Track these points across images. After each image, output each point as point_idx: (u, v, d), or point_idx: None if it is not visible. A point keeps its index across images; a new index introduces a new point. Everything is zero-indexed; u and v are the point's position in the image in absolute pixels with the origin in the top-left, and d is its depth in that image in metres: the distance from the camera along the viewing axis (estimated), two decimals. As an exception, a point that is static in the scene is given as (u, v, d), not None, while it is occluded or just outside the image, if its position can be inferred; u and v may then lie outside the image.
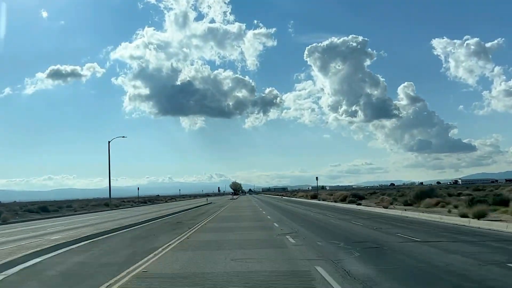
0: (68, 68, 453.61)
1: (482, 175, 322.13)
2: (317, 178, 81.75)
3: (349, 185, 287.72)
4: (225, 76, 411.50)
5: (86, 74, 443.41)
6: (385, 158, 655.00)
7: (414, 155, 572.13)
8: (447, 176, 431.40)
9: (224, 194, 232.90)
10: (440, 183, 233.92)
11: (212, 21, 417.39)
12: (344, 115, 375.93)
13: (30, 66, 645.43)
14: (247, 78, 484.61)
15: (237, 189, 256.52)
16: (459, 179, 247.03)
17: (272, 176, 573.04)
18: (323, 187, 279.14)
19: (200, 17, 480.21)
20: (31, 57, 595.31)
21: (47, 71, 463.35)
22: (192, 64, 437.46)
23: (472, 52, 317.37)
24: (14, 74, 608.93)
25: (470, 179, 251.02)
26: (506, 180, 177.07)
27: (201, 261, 11.51)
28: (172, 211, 42.66)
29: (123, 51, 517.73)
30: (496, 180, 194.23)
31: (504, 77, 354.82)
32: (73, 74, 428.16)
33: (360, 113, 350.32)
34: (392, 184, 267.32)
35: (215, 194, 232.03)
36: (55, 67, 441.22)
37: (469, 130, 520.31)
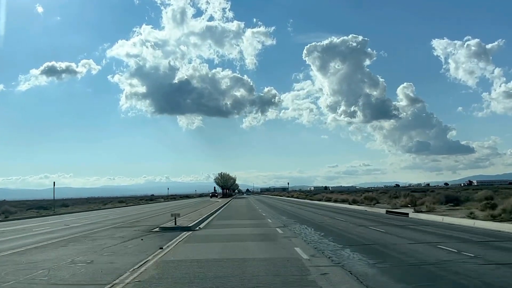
0: (63, 64, 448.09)
1: (480, 177, 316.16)
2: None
3: (352, 186, 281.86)
4: (224, 75, 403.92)
5: (81, 71, 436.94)
6: (383, 160, 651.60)
7: (412, 156, 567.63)
8: (444, 178, 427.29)
9: (214, 195, 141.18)
10: (448, 184, 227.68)
11: (211, 18, 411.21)
12: (343, 116, 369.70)
13: (24, 63, 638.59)
14: (245, 77, 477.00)
15: (228, 186, 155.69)
16: (469, 180, 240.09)
17: (269, 177, 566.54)
18: (326, 188, 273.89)
19: (198, 13, 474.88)
20: (25, 53, 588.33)
21: (41, 68, 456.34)
22: (190, 63, 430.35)
23: (472, 53, 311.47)
24: (7, 71, 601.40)
25: (483, 180, 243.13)
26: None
27: None
28: None
29: (120, 49, 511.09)
30: None
31: (504, 79, 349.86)
32: (68, 70, 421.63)
33: (359, 113, 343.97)
34: (397, 185, 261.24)
35: (199, 195, 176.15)
36: (50, 64, 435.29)
37: (468, 132, 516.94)
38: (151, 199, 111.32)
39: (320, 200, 65.94)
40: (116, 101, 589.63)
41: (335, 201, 56.44)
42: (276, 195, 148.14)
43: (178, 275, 9.93)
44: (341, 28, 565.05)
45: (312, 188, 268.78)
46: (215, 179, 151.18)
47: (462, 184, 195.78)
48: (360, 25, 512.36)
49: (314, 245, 15.02)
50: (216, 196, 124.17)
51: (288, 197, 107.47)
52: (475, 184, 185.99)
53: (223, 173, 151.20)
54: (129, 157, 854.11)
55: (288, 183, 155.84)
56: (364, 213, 34.00)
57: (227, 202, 68.14)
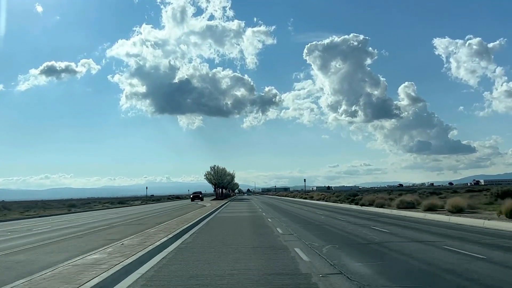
0: (62, 64, 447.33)
1: (481, 177, 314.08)
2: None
3: (355, 186, 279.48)
4: (224, 74, 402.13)
5: (81, 71, 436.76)
6: (384, 159, 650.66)
7: (413, 156, 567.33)
8: (445, 177, 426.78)
9: (198, 196, 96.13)
10: (452, 184, 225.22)
11: (211, 17, 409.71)
12: (343, 115, 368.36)
13: (24, 62, 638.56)
14: (246, 76, 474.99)
15: (224, 184, 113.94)
16: (475, 180, 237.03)
17: (270, 177, 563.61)
18: (328, 188, 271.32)
19: (198, 12, 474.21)
20: (24, 53, 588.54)
21: (41, 68, 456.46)
22: (190, 62, 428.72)
23: (474, 52, 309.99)
24: (7, 71, 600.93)
25: (486, 179, 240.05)
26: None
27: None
28: None
29: (120, 48, 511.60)
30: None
31: (506, 78, 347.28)
32: (68, 70, 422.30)
33: (360, 113, 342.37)
34: (400, 185, 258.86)
35: (187, 197, 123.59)
36: (49, 63, 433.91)
37: (469, 131, 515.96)
38: (120, 202, 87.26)
39: (382, 206, 32.60)
40: (116, 101, 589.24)
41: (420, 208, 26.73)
42: (285, 196, 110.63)
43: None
44: (342, 27, 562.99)
45: (315, 188, 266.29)
46: (205, 175, 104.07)
47: (469, 184, 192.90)
48: (361, 24, 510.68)
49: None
50: (201, 198, 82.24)
51: (304, 198, 75.33)
52: (482, 183, 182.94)
53: (217, 167, 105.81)
54: (129, 157, 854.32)
55: (304, 180, 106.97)
56: None
57: (218, 209, 39.58)
